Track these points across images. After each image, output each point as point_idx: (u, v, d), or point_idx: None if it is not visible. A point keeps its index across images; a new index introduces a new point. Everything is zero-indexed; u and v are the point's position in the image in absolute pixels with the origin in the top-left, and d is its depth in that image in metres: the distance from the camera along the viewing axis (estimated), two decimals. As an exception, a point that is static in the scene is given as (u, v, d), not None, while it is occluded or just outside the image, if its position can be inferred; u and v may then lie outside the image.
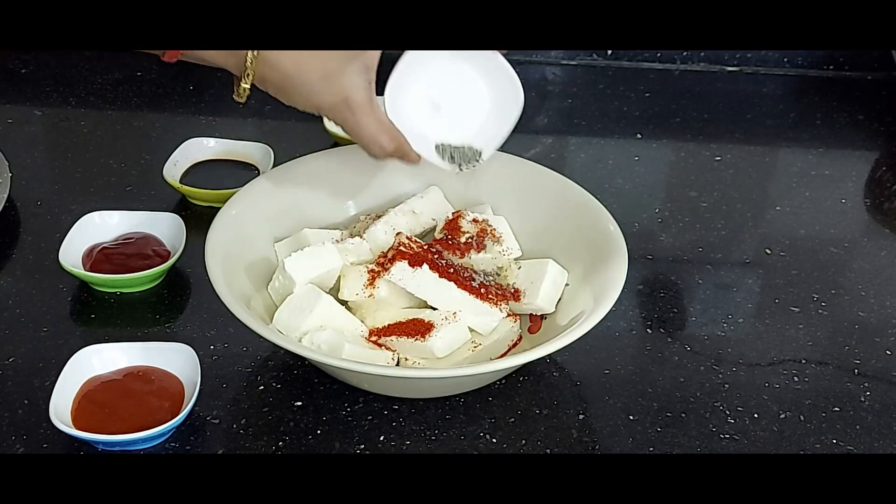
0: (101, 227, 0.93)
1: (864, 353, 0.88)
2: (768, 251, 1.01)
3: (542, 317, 0.86)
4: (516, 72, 0.83)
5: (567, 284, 0.85)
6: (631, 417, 0.80)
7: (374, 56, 0.78)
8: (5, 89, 1.22)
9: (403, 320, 0.82)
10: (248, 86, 0.77)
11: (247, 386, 0.81)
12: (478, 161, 0.85)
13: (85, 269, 0.89)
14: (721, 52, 1.34)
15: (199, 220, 0.94)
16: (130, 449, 0.75)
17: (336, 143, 1.06)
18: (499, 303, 0.82)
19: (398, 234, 0.86)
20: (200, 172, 1.05)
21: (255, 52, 0.76)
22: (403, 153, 0.82)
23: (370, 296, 0.82)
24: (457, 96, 0.84)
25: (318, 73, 0.76)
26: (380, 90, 0.80)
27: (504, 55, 0.83)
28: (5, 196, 0.97)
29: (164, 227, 0.94)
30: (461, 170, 0.85)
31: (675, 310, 0.92)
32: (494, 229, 0.88)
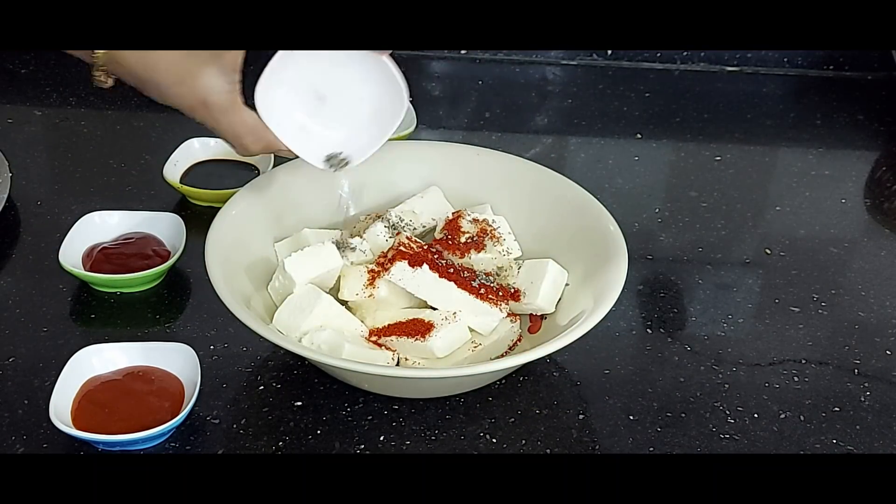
0: (101, 227, 0.93)
1: (864, 353, 0.88)
2: (768, 251, 1.01)
3: (542, 317, 0.86)
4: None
5: (567, 284, 0.85)
6: (631, 417, 0.80)
7: (235, 56, 0.76)
8: (5, 89, 1.22)
9: (403, 320, 0.82)
10: (101, 76, 0.75)
11: (247, 386, 0.81)
12: (349, 162, 0.83)
13: (85, 269, 0.89)
14: (721, 52, 1.34)
15: (199, 220, 0.94)
16: (130, 449, 0.75)
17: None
18: (499, 303, 0.82)
19: (398, 234, 0.86)
20: (200, 172, 1.05)
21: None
22: (274, 150, 0.81)
23: (370, 296, 0.82)
24: (336, 96, 0.81)
25: (172, 78, 0.75)
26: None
27: (392, 56, 0.80)
28: (5, 196, 0.97)
29: (164, 227, 0.94)
30: (334, 170, 0.83)
31: (675, 310, 0.92)
32: (494, 229, 0.88)
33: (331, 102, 0.82)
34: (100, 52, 0.74)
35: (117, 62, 0.74)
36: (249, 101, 0.78)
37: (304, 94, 0.81)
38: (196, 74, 0.75)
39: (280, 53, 0.77)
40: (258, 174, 1.02)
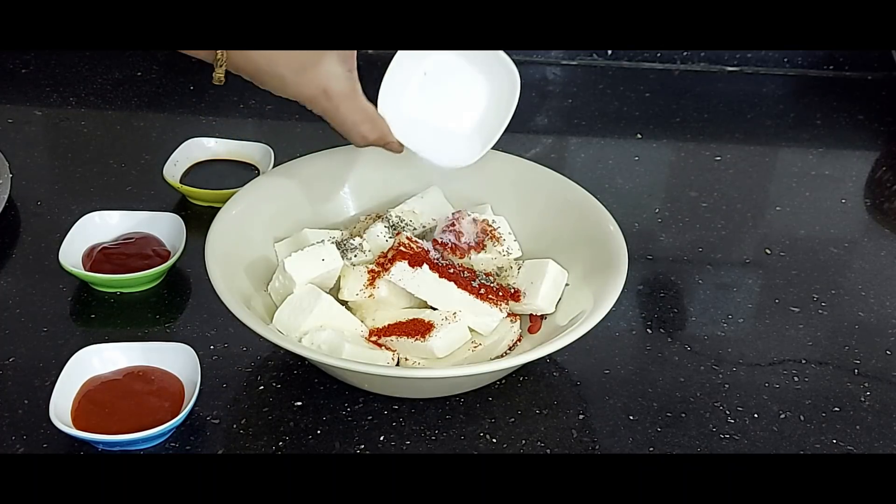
0: (101, 227, 0.93)
1: (864, 353, 0.88)
2: (768, 251, 1.01)
3: (542, 317, 0.86)
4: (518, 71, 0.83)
5: (567, 284, 0.85)
6: (631, 417, 0.80)
7: None
8: (5, 89, 1.22)
9: (403, 320, 0.82)
10: (221, 74, 0.77)
11: (247, 386, 0.81)
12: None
13: (85, 269, 0.89)
14: (721, 52, 1.34)
15: (199, 220, 0.94)
16: (130, 449, 0.75)
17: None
18: (499, 303, 0.82)
19: (398, 233, 0.86)
20: (200, 172, 1.05)
21: None
22: (386, 142, 0.82)
23: (370, 296, 0.82)
24: (454, 90, 0.84)
25: (292, 67, 0.76)
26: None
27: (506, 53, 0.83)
28: (5, 196, 0.97)
29: (164, 227, 0.94)
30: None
31: (675, 310, 0.92)
32: (494, 229, 0.88)
33: (445, 100, 0.84)
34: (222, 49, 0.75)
35: (239, 56, 0.75)
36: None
37: (421, 92, 0.83)
38: (318, 63, 0.76)
39: (399, 53, 0.80)
40: (258, 174, 1.02)
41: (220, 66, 0.76)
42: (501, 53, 0.83)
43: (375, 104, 0.81)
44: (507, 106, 0.84)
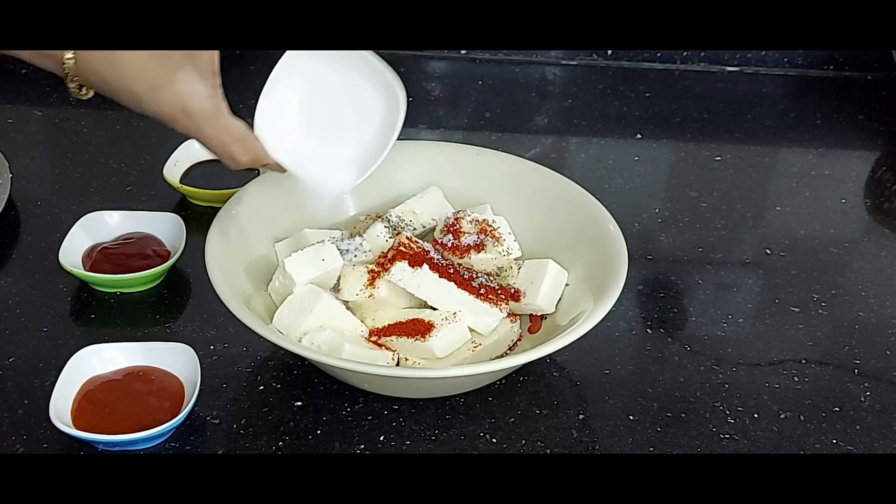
0: (101, 227, 0.93)
1: (864, 353, 0.88)
2: (768, 251, 1.01)
3: (542, 317, 0.86)
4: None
5: (567, 284, 0.85)
6: (631, 417, 0.80)
7: (210, 58, 0.71)
8: (5, 89, 1.22)
9: (403, 320, 0.82)
10: (74, 87, 0.71)
11: (247, 386, 0.81)
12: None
13: (85, 269, 0.89)
14: (721, 52, 1.34)
15: (199, 220, 0.94)
16: (130, 449, 0.75)
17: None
18: (499, 303, 0.82)
19: (398, 233, 0.86)
20: (200, 172, 1.04)
21: (71, 55, 0.69)
22: (262, 164, 0.77)
23: (370, 296, 0.82)
24: (337, 109, 0.79)
25: (144, 84, 0.70)
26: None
27: (379, 55, 0.78)
28: (5, 196, 0.97)
29: (164, 227, 0.94)
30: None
31: (675, 310, 0.92)
32: (494, 229, 0.88)
33: (329, 116, 0.80)
34: (69, 63, 0.69)
35: (88, 71, 0.70)
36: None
37: (301, 108, 0.79)
38: (171, 79, 0.70)
39: (283, 61, 0.76)
40: (258, 174, 1.02)
41: (72, 79, 0.70)
42: (388, 72, 0.77)
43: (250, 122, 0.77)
44: (392, 126, 0.79)
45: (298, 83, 0.78)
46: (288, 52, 0.77)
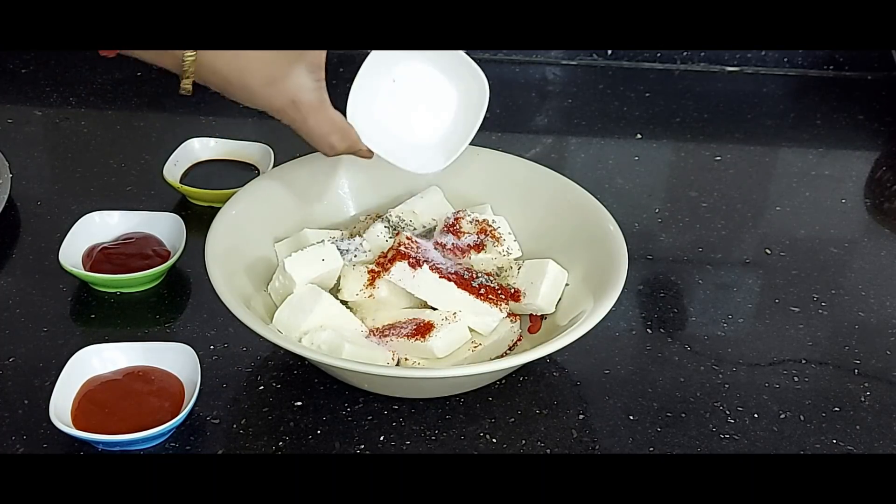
0: (101, 227, 0.93)
1: (864, 353, 0.88)
2: (768, 251, 1.01)
3: (542, 317, 0.86)
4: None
5: (567, 284, 0.85)
6: (631, 417, 0.80)
7: (319, 55, 0.77)
8: (5, 89, 1.22)
9: (403, 320, 0.82)
10: (188, 84, 0.76)
11: (247, 386, 0.81)
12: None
13: (85, 269, 0.89)
14: (721, 52, 1.34)
15: (199, 220, 0.94)
16: (130, 449, 0.75)
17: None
18: (499, 303, 0.82)
19: (398, 233, 0.86)
20: (200, 172, 1.05)
21: (192, 54, 0.74)
22: (356, 150, 0.83)
23: (370, 296, 0.82)
24: (423, 96, 0.86)
25: (260, 79, 0.76)
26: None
27: (469, 54, 0.84)
28: (5, 196, 0.97)
29: (164, 227, 0.94)
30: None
31: (675, 310, 0.92)
32: (494, 229, 0.88)
33: (414, 107, 0.86)
34: (189, 60, 0.74)
35: (206, 68, 0.75)
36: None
37: (390, 98, 0.84)
38: (286, 74, 0.75)
39: (372, 56, 0.81)
40: (258, 174, 1.02)
41: (188, 76, 0.75)
42: (471, 61, 0.84)
43: (343, 112, 0.82)
44: (477, 112, 0.85)
45: (385, 75, 0.84)
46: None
